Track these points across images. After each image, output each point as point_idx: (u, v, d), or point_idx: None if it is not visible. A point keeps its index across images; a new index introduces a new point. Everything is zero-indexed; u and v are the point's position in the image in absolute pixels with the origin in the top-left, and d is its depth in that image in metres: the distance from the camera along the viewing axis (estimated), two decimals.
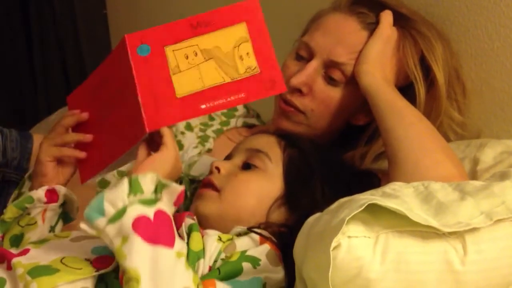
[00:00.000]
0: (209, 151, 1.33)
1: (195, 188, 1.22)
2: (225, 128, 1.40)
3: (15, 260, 0.89)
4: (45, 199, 1.04)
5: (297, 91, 1.20)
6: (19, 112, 2.52)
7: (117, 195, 0.84)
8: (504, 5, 1.17)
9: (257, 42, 0.98)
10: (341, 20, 1.21)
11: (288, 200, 1.02)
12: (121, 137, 0.98)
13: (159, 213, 0.84)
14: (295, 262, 0.83)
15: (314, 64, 1.19)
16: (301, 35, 1.27)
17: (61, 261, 0.89)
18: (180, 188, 0.87)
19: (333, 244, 0.75)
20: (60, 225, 1.07)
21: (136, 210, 0.83)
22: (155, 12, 2.27)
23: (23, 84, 2.55)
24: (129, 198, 0.84)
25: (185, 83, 0.96)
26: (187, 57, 0.97)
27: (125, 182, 0.85)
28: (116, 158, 0.98)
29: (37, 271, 0.87)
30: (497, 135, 1.20)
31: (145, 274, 0.79)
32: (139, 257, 0.80)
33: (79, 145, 1.05)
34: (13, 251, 0.93)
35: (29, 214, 1.05)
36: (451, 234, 0.79)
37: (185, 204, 1.22)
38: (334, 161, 1.10)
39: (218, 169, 1.05)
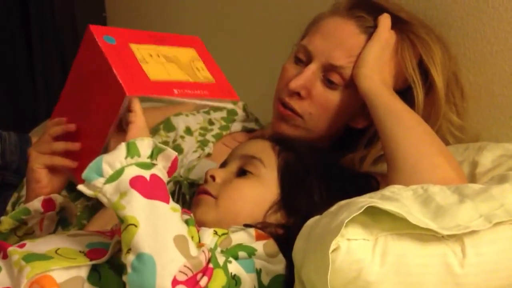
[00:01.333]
0: (208, 155, 1.33)
1: (194, 192, 1.22)
2: (224, 133, 1.40)
3: (10, 249, 0.90)
4: (42, 210, 1.03)
5: (296, 94, 1.20)
6: (18, 114, 2.52)
7: (115, 157, 0.87)
8: (503, 9, 1.17)
9: (207, 64, 1.06)
10: (340, 24, 1.21)
11: (285, 204, 1.02)
12: (105, 115, 0.98)
13: (154, 177, 0.88)
14: (294, 264, 0.83)
15: (312, 68, 1.20)
16: (300, 38, 1.27)
17: (56, 251, 0.90)
18: (174, 153, 0.90)
19: (332, 247, 0.75)
20: (59, 231, 1.06)
21: (133, 170, 0.87)
22: (154, 15, 2.27)
23: (22, 86, 2.55)
24: (127, 160, 0.87)
25: (155, 72, 0.99)
26: (151, 56, 1.00)
27: (122, 145, 0.88)
28: (106, 137, 0.99)
29: (31, 257, 0.88)
30: (496, 139, 1.21)
31: (143, 220, 0.83)
32: (137, 207, 0.84)
33: (68, 152, 1.04)
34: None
35: (26, 224, 1.04)
36: (450, 237, 0.79)
37: (185, 207, 1.22)
38: (331, 162, 1.10)
39: (213, 177, 1.05)
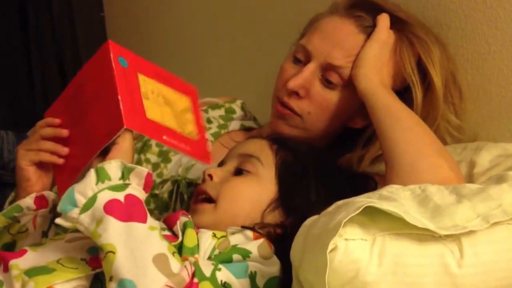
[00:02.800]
0: None
1: (192, 191, 1.22)
2: (223, 131, 1.40)
3: (12, 263, 0.89)
4: (34, 207, 1.03)
5: (294, 94, 1.20)
6: (16, 114, 2.52)
7: (86, 185, 0.87)
8: (501, 9, 1.17)
9: (196, 119, 1.07)
10: (338, 23, 1.21)
11: (282, 202, 1.02)
12: (97, 135, 0.98)
13: (129, 197, 0.87)
14: (292, 264, 0.83)
15: (311, 67, 1.20)
16: (299, 38, 1.27)
17: (57, 261, 0.90)
18: (145, 170, 0.89)
19: (330, 247, 0.75)
20: (53, 230, 1.06)
21: (106, 195, 0.86)
22: (152, 15, 2.27)
23: (20, 86, 2.55)
24: (98, 186, 0.87)
25: (152, 111, 0.99)
26: (152, 93, 1.01)
27: (91, 172, 0.88)
28: (92, 156, 0.98)
29: (34, 271, 0.87)
30: (494, 138, 1.21)
31: (120, 245, 0.82)
32: (114, 233, 0.83)
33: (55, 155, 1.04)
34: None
35: (19, 222, 1.04)
36: (447, 237, 0.79)
37: (183, 207, 1.22)
38: (328, 162, 1.11)
39: (210, 176, 1.05)
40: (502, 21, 1.17)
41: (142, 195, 0.89)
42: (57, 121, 1.04)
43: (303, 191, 1.02)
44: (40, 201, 1.04)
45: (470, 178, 1.11)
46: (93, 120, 0.98)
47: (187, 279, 0.83)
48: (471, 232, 0.79)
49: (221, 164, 1.10)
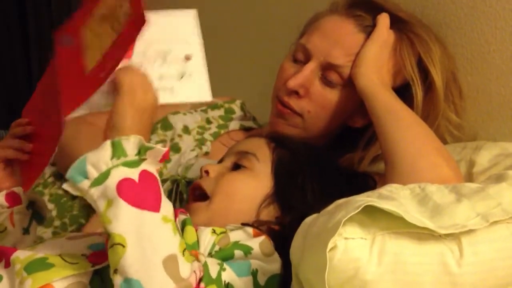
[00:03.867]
0: (206, 154, 1.33)
1: None
2: (222, 131, 1.40)
3: (13, 256, 0.89)
4: (7, 204, 1.02)
5: (294, 93, 1.20)
6: (15, 114, 2.52)
7: (100, 157, 0.83)
8: (500, 8, 1.17)
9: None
10: (338, 23, 1.21)
11: (278, 198, 1.02)
12: (52, 133, 0.96)
13: (144, 173, 0.84)
14: (292, 262, 0.83)
15: (311, 66, 1.20)
16: (298, 37, 1.27)
17: (58, 255, 0.89)
18: (164, 149, 0.85)
19: (330, 246, 0.75)
20: (34, 226, 1.05)
21: (120, 173, 0.82)
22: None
23: (19, 86, 2.55)
24: (112, 161, 0.83)
25: (92, 58, 0.93)
26: (93, 30, 0.96)
27: (107, 144, 0.83)
28: (50, 155, 0.96)
29: (33, 266, 0.87)
30: (493, 138, 1.21)
31: (131, 239, 0.79)
32: (125, 222, 0.80)
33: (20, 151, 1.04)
34: None
35: None
36: (447, 236, 0.79)
37: (182, 206, 1.22)
38: (326, 160, 1.10)
39: (207, 172, 1.05)
40: (502, 21, 1.17)
41: (155, 172, 0.85)
42: (25, 120, 1.04)
43: (298, 188, 1.02)
44: (13, 198, 1.02)
45: (469, 177, 1.11)
46: (51, 117, 0.96)
47: (194, 285, 0.82)
48: (470, 231, 0.79)
49: (220, 162, 1.10)
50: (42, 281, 0.85)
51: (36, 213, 1.06)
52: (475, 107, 1.24)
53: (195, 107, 1.47)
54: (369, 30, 1.19)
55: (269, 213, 1.01)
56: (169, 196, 1.23)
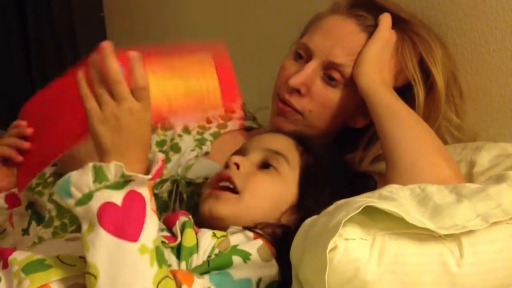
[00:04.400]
0: (206, 154, 1.33)
1: (191, 191, 1.22)
2: (222, 131, 1.40)
3: (11, 257, 0.89)
4: (6, 206, 1.02)
5: (295, 91, 1.20)
6: (15, 114, 2.52)
7: (82, 180, 0.81)
8: (500, 9, 1.17)
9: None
10: (340, 22, 1.21)
11: (301, 208, 1.01)
12: (54, 143, 0.95)
13: (130, 195, 0.82)
14: (292, 263, 0.83)
15: (312, 65, 1.20)
16: (300, 37, 1.27)
17: (56, 257, 0.89)
18: (146, 177, 0.82)
19: (330, 246, 0.75)
20: (33, 226, 1.06)
21: (103, 195, 0.81)
22: (152, 15, 2.27)
23: (20, 86, 2.55)
24: (95, 185, 0.81)
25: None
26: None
27: (89, 167, 0.81)
28: (46, 165, 0.97)
29: (31, 267, 0.86)
30: (493, 138, 1.21)
31: (103, 272, 0.79)
32: (100, 252, 0.79)
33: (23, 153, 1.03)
34: None
35: None
36: (447, 236, 0.79)
37: (182, 207, 1.22)
38: (342, 165, 1.10)
39: (237, 165, 1.03)
40: (502, 21, 1.17)
41: (145, 191, 0.83)
42: (23, 123, 1.03)
43: (321, 199, 1.01)
44: (12, 199, 1.03)
45: (469, 177, 1.11)
46: (61, 126, 0.94)
47: None
48: (470, 232, 0.79)
49: (240, 152, 1.07)
50: (40, 282, 0.85)
51: (36, 214, 1.06)
52: (475, 107, 1.24)
53: None
54: (370, 30, 1.19)
55: (290, 219, 1.01)
56: (169, 196, 1.23)
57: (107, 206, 0.81)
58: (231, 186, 1.01)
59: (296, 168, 1.04)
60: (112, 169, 0.81)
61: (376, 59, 1.16)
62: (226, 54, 1.01)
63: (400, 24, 1.21)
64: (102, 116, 0.83)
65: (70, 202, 0.82)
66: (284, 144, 1.07)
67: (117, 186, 0.82)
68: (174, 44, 0.95)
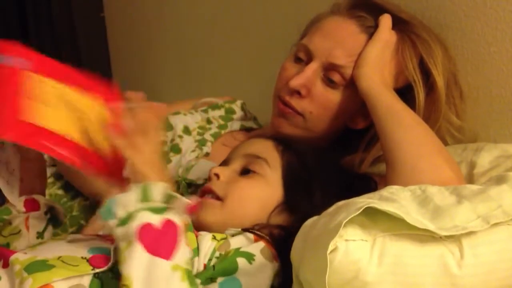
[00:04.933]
0: (207, 155, 1.33)
1: (192, 192, 1.22)
2: (223, 132, 1.40)
3: (12, 257, 0.89)
4: (24, 209, 1.04)
5: (296, 93, 1.20)
6: None
7: (128, 200, 0.87)
8: (501, 10, 1.17)
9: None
10: (340, 23, 1.21)
11: (288, 205, 1.02)
12: None
13: (167, 222, 0.86)
14: (293, 264, 0.83)
15: (313, 67, 1.20)
16: (300, 38, 1.27)
17: (58, 258, 0.89)
18: (186, 201, 0.88)
19: (330, 247, 0.75)
20: (49, 230, 1.06)
21: (143, 217, 0.85)
22: (152, 16, 2.27)
23: None
24: (139, 204, 0.86)
25: (37, 113, 0.92)
26: (47, 93, 0.94)
27: (137, 188, 0.87)
28: None
29: (33, 267, 0.87)
30: (494, 139, 1.21)
31: (138, 282, 0.81)
32: (136, 264, 0.82)
33: None
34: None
35: (10, 223, 1.04)
36: (448, 237, 0.79)
37: None
38: (332, 164, 1.10)
39: (217, 175, 1.05)
40: (502, 22, 1.17)
41: (180, 222, 0.88)
42: None
43: (308, 194, 1.02)
44: (32, 204, 1.04)
45: (470, 178, 1.11)
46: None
47: None
48: (471, 233, 0.79)
49: (224, 163, 1.10)
50: (43, 281, 0.85)
51: (53, 218, 1.07)
52: (476, 108, 1.24)
53: (195, 107, 1.47)
54: (371, 31, 1.19)
55: (280, 220, 1.01)
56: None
57: (147, 226, 0.85)
58: (214, 197, 1.03)
59: (277, 168, 1.05)
60: (160, 188, 0.88)
61: (377, 60, 1.16)
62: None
63: (400, 25, 1.21)
64: (144, 158, 0.92)
65: (113, 223, 0.86)
66: (263, 147, 1.08)
67: (158, 210, 0.87)
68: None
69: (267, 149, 1.07)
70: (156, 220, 0.86)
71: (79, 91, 0.97)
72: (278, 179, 1.04)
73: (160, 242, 0.85)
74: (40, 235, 1.05)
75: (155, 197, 0.87)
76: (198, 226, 0.99)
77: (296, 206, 1.01)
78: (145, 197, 0.87)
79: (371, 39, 1.18)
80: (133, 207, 0.86)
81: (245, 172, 1.05)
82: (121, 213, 0.86)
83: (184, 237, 0.87)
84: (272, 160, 1.05)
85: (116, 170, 0.94)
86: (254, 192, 1.02)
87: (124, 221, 0.86)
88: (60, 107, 0.94)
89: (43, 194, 1.08)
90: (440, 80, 1.18)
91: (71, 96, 0.96)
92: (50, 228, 1.06)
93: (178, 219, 0.87)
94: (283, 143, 1.08)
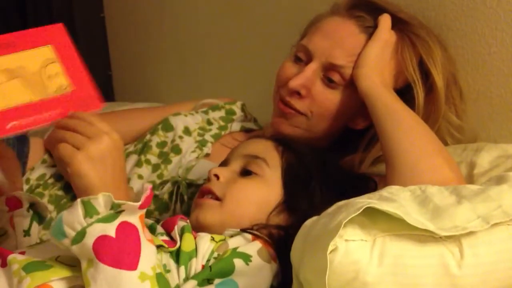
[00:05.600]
0: (207, 155, 1.33)
1: (192, 192, 1.22)
2: (223, 133, 1.40)
3: (10, 257, 0.89)
4: (7, 208, 1.02)
5: (296, 93, 1.21)
6: None
7: (74, 218, 0.82)
8: (501, 10, 1.17)
9: (67, 62, 0.94)
10: (340, 23, 1.21)
11: (288, 206, 1.02)
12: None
13: (122, 226, 0.83)
14: (292, 265, 0.83)
15: (313, 67, 1.20)
16: (300, 39, 1.27)
17: (56, 259, 0.89)
18: (136, 204, 0.84)
19: (330, 248, 0.75)
20: (35, 227, 1.05)
21: (96, 230, 0.82)
22: (152, 16, 2.27)
23: None
24: (86, 220, 0.82)
25: None
26: None
27: (78, 204, 0.83)
28: None
29: (31, 267, 0.87)
30: (494, 139, 1.21)
31: None
32: (102, 285, 0.80)
33: None
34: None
35: None
36: (447, 238, 0.79)
37: (183, 208, 1.22)
38: (332, 164, 1.10)
39: (216, 176, 1.04)
40: (502, 22, 1.17)
41: (137, 221, 0.85)
42: None
43: (307, 194, 1.02)
44: (13, 202, 1.03)
45: (470, 179, 1.11)
46: None
47: None
48: (471, 233, 0.79)
49: (224, 163, 1.10)
50: (41, 280, 0.85)
51: (37, 214, 1.06)
52: (476, 108, 1.24)
53: (196, 108, 1.47)
54: (370, 31, 1.19)
55: (279, 220, 1.01)
56: (170, 198, 1.24)
57: (102, 239, 0.82)
58: (213, 197, 1.02)
59: (277, 168, 1.04)
60: (101, 201, 0.82)
61: (376, 60, 1.16)
62: (67, 40, 0.96)
63: (399, 25, 1.21)
64: (86, 155, 0.85)
65: (66, 242, 0.83)
66: (262, 147, 1.07)
67: (108, 218, 0.83)
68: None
69: (267, 149, 1.07)
70: (109, 229, 0.82)
71: (17, 52, 0.92)
72: (277, 179, 1.04)
73: (120, 252, 0.81)
74: (26, 233, 1.03)
75: (100, 210, 0.83)
76: (197, 227, 0.99)
77: (296, 206, 1.01)
78: (89, 213, 0.82)
79: (371, 39, 1.18)
80: (79, 225, 0.82)
81: (245, 172, 1.05)
82: (70, 232, 0.82)
83: (144, 233, 0.84)
84: (271, 160, 1.05)
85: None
86: (253, 193, 1.02)
87: (76, 239, 0.82)
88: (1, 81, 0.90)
89: (22, 191, 1.06)
90: (439, 80, 1.18)
91: (10, 62, 0.91)
92: (35, 225, 1.05)
93: (133, 217, 0.84)
94: (283, 143, 1.08)
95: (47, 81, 0.91)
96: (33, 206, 1.05)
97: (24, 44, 0.93)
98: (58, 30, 0.96)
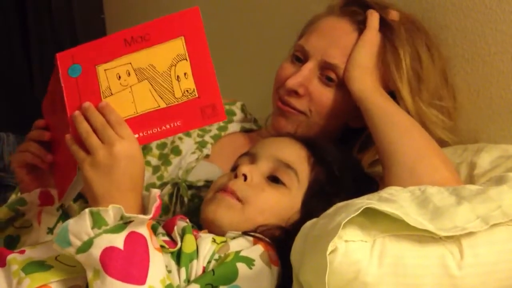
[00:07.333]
0: (207, 156, 1.33)
1: (192, 194, 1.22)
2: (223, 134, 1.40)
3: (10, 257, 0.89)
4: (38, 202, 1.02)
5: (294, 92, 1.21)
6: (17, 116, 2.52)
7: (81, 228, 0.81)
8: (500, 11, 1.17)
9: (196, 60, 0.89)
10: (335, 23, 1.22)
11: (303, 213, 1.00)
12: (67, 165, 0.92)
13: (131, 237, 0.82)
14: (293, 266, 0.83)
15: (309, 66, 1.20)
16: (297, 39, 1.28)
17: (55, 258, 0.89)
18: (146, 218, 0.83)
19: (330, 248, 0.75)
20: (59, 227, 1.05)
21: (103, 241, 0.81)
22: (152, 17, 2.27)
23: (20, 88, 2.55)
24: (94, 231, 0.81)
25: (116, 108, 0.87)
26: (119, 78, 0.88)
27: (86, 214, 0.81)
28: (69, 183, 0.92)
29: (31, 268, 0.87)
30: (494, 140, 1.21)
31: None
32: None
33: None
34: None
35: (24, 215, 1.03)
36: (447, 238, 0.79)
37: (183, 210, 1.22)
38: (355, 170, 1.09)
39: (245, 176, 1.01)
40: (502, 22, 1.17)
41: (145, 230, 0.84)
42: (41, 123, 1.02)
43: (326, 205, 0.99)
44: (46, 197, 1.02)
45: (470, 179, 1.11)
46: (64, 141, 0.90)
47: None
48: (471, 234, 0.79)
49: (251, 157, 1.06)
50: (40, 282, 0.85)
51: (65, 215, 1.06)
52: (476, 109, 1.24)
53: None
54: (362, 28, 1.19)
55: (291, 225, 0.99)
56: (170, 199, 1.23)
57: (110, 251, 0.81)
58: (235, 197, 1.00)
59: (305, 184, 1.02)
60: (110, 213, 0.82)
61: (366, 62, 1.16)
62: (200, 27, 0.92)
63: (383, 27, 1.20)
64: (92, 162, 0.85)
65: (70, 250, 0.82)
66: (296, 156, 1.04)
67: (116, 229, 0.82)
68: (135, 30, 0.89)
69: (299, 159, 1.04)
70: (117, 240, 0.81)
71: (150, 47, 0.89)
72: (302, 193, 1.02)
73: (129, 266, 0.80)
74: (50, 230, 1.03)
75: (109, 222, 0.82)
76: (207, 222, 0.99)
77: (311, 214, 0.99)
78: (97, 223, 0.81)
79: (358, 41, 1.18)
80: (87, 235, 0.81)
81: (272, 179, 1.02)
82: (75, 241, 0.81)
83: (152, 241, 0.83)
84: (301, 173, 1.02)
85: None
86: (278, 205, 1.00)
87: (82, 249, 0.81)
88: (129, 86, 0.87)
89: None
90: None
91: (142, 59, 0.88)
92: (60, 224, 1.04)
93: (142, 227, 0.83)
94: (316, 153, 1.05)
95: (175, 82, 0.87)
96: (63, 207, 1.05)
97: (157, 37, 0.89)
98: (193, 15, 0.91)
